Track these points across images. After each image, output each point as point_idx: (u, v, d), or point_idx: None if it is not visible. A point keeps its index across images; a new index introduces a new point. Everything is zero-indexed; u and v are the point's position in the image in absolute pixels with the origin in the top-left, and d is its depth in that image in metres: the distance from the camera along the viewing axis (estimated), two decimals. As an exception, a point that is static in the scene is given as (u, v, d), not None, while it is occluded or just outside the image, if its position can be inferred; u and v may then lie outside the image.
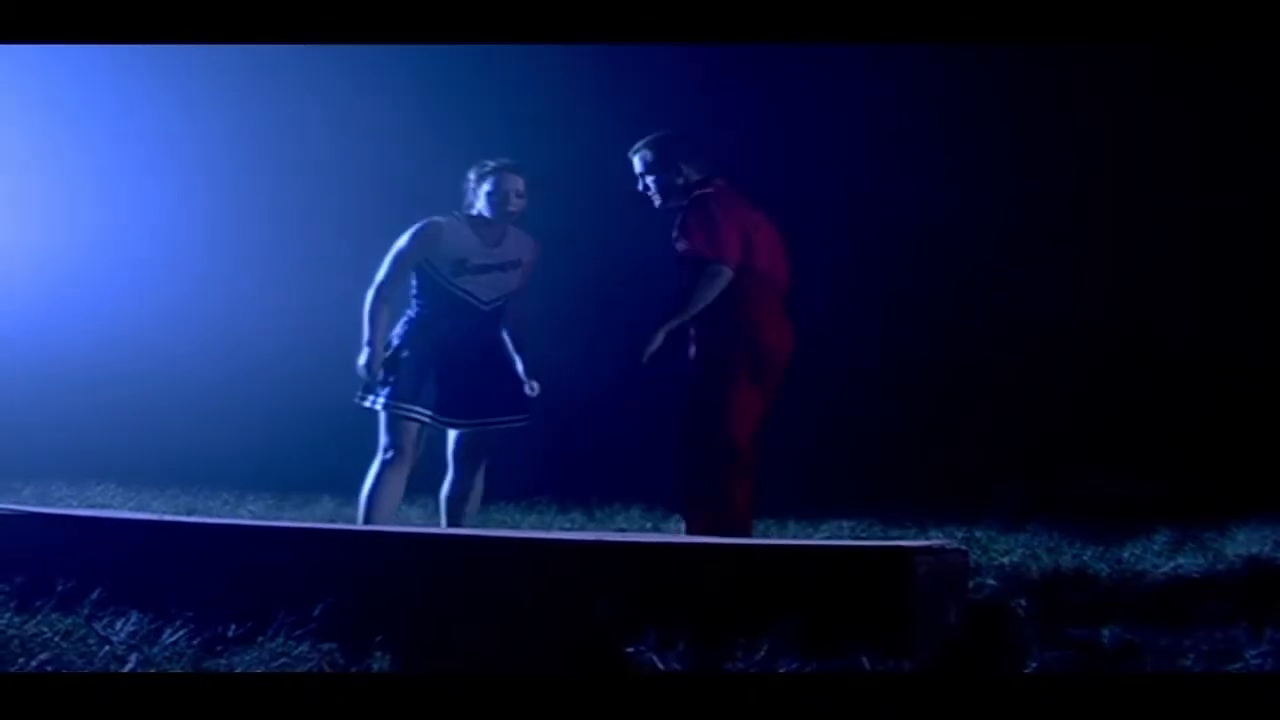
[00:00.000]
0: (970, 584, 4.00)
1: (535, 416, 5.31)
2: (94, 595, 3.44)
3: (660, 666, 3.01)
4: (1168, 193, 9.87)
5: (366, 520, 5.05)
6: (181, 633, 3.21)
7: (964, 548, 3.92)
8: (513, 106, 9.93)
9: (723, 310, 4.85)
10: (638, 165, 5.07)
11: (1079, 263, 10.10)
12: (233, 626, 3.26)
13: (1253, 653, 3.21)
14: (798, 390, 5.27)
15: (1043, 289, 10.13)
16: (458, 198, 5.25)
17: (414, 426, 5.09)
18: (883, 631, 3.09)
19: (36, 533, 3.94)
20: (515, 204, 5.15)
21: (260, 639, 3.22)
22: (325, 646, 3.19)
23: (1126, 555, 5.57)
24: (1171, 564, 5.24)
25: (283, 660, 3.11)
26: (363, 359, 5.09)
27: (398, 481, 5.09)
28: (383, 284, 5.13)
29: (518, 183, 5.15)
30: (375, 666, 3.09)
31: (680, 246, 4.87)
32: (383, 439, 5.10)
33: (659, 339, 4.79)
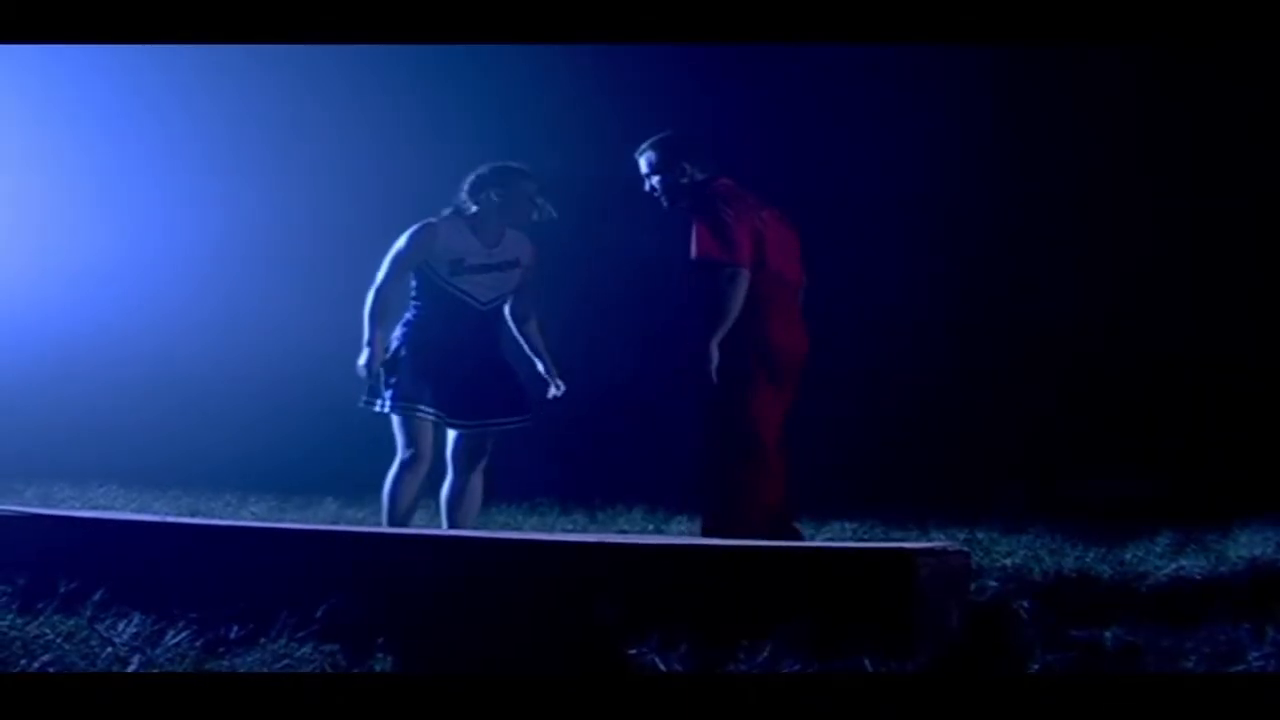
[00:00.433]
0: (972, 585, 4.01)
1: (537, 417, 5.32)
2: (96, 597, 3.45)
3: (662, 668, 3.01)
4: (1168, 193, 9.85)
5: (389, 519, 5.12)
6: (184, 634, 3.22)
7: (966, 549, 3.92)
8: (514, 107, 9.92)
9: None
10: (643, 166, 5.07)
11: (1079, 263, 10.08)
12: (235, 628, 3.27)
13: (1255, 654, 3.21)
14: (798, 391, 5.26)
15: (1043, 289, 10.12)
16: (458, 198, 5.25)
17: (427, 426, 5.12)
18: (885, 633, 3.10)
19: (39, 534, 3.95)
20: (534, 210, 5.18)
21: (263, 640, 3.22)
22: (328, 648, 3.19)
23: (1129, 556, 5.57)
24: (1174, 565, 5.24)
25: (285, 661, 3.12)
26: (362, 359, 5.10)
27: (413, 481, 5.13)
28: (382, 285, 5.14)
29: (533, 188, 5.19)
30: (378, 668, 3.10)
31: (693, 251, 4.85)
32: (399, 440, 5.13)
33: (715, 354, 4.74)
